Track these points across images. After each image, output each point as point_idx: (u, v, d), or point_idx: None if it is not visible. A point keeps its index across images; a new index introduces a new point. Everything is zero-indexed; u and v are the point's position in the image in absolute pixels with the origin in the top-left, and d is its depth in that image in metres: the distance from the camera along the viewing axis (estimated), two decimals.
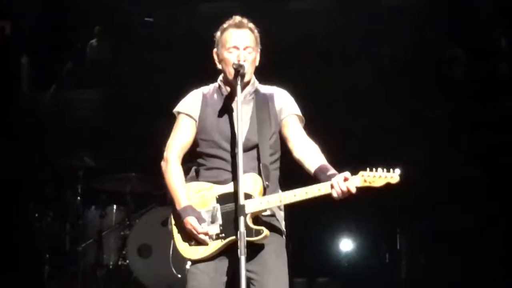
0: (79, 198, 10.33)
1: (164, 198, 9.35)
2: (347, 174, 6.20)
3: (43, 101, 11.36)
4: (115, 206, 10.27)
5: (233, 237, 6.31)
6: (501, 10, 11.70)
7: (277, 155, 6.60)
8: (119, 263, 10.04)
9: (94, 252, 10.16)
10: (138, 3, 11.62)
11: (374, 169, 6.20)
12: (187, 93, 6.77)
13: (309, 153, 6.45)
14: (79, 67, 11.60)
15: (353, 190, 6.18)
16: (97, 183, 10.38)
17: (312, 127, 6.65)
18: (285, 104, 6.63)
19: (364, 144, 6.47)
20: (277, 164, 6.62)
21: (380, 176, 6.20)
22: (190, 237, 6.49)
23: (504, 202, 10.55)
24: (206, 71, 6.82)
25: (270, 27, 6.88)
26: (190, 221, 6.42)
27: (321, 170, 6.30)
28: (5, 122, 10.93)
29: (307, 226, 7.32)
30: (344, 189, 6.16)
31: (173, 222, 6.59)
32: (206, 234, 6.43)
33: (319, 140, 6.63)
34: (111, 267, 10.08)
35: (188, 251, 6.52)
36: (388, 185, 6.22)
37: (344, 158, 6.48)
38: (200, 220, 6.44)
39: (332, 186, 6.19)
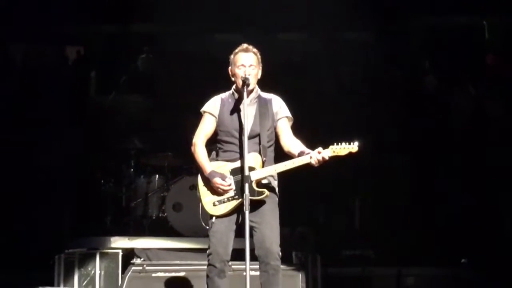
0: (131, 170, 10.31)
1: (191, 170, 9.36)
2: (320, 149, 6.41)
3: (105, 103, 11.35)
4: (157, 176, 10.24)
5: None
6: (426, 41, 11.73)
7: (272, 141, 6.70)
8: (160, 215, 10.04)
9: (142, 208, 10.15)
10: (174, 32, 11.63)
11: (340, 143, 6.40)
12: (210, 98, 6.86)
13: (293, 144, 6.60)
14: (131, 78, 11.56)
15: (326, 158, 6.37)
16: (144, 159, 10.38)
17: (294, 122, 6.80)
18: (280, 108, 6.76)
19: (329, 135, 6.56)
20: (273, 147, 6.71)
21: (344, 148, 6.41)
22: (214, 200, 6.61)
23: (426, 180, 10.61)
24: (222, 80, 6.91)
25: (265, 51, 6.96)
26: (217, 180, 6.55)
27: (302, 152, 6.47)
28: (79, 117, 10.96)
29: (293, 191, 7.37)
30: (320, 158, 6.36)
31: (200, 189, 6.68)
32: (229, 186, 6.57)
33: (299, 130, 6.82)
34: (154, 218, 10.07)
35: (212, 209, 6.60)
36: (350, 154, 6.39)
37: (316, 141, 6.57)
38: (224, 178, 6.57)
39: (310, 157, 6.38)
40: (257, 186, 6.55)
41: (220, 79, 6.95)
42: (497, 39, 11.93)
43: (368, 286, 9.51)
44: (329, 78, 11.36)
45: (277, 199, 6.72)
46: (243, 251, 6.28)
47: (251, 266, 6.30)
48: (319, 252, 8.75)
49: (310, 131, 7.10)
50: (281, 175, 6.70)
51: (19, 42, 11.63)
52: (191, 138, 6.79)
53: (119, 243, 8.81)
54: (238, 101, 6.69)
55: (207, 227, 6.67)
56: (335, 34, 11.50)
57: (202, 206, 6.68)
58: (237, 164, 6.61)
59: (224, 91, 6.85)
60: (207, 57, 11.11)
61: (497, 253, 9.79)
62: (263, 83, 6.87)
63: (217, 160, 6.74)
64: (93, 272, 8.35)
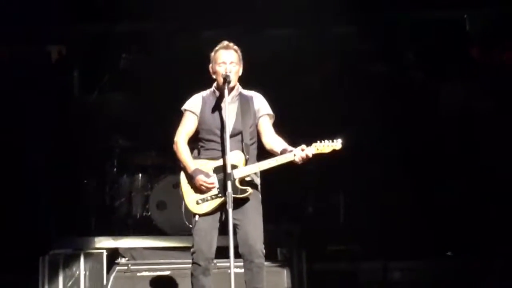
0: (115, 169, 10.33)
1: (174, 169, 9.34)
2: (303, 146, 6.44)
3: (88, 102, 11.33)
4: (140, 174, 10.26)
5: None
6: (410, 35, 11.74)
7: (255, 139, 6.72)
8: (144, 214, 10.06)
9: (126, 207, 10.18)
10: (158, 30, 11.59)
11: (323, 140, 6.42)
12: (191, 95, 6.89)
13: (275, 142, 6.63)
14: (114, 77, 11.53)
15: (310, 156, 6.39)
16: (128, 158, 10.40)
17: (277, 118, 6.82)
18: (261, 106, 6.77)
19: (313, 128, 6.57)
20: (255, 145, 6.73)
21: (328, 145, 6.45)
22: (198, 198, 6.62)
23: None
24: (204, 80, 6.92)
25: (250, 48, 6.96)
26: (201, 178, 6.57)
27: (285, 149, 6.50)
28: (63, 117, 10.92)
29: (277, 187, 7.39)
30: (303, 155, 6.39)
31: (183, 188, 6.70)
32: (213, 184, 6.58)
33: (283, 126, 6.84)
34: (138, 217, 10.10)
35: (196, 208, 6.63)
36: (333, 151, 6.43)
37: (300, 137, 6.59)
38: (206, 176, 6.57)
39: (294, 155, 6.40)
40: (240, 184, 6.58)
41: (205, 76, 6.92)
42: (479, 32, 11.94)
43: (354, 280, 9.52)
44: (314, 73, 11.35)
45: (260, 196, 6.75)
46: (227, 249, 6.32)
47: (236, 264, 6.33)
48: (304, 248, 8.76)
49: (293, 128, 7.11)
50: (265, 172, 6.71)
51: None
52: (174, 137, 6.81)
53: (104, 243, 8.83)
54: (220, 99, 6.70)
55: (191, 226, 6.68)
56: (320, 28, 11.48)
57: (185, 205, 6.70)
58: (220, 162, 6.63)
59: (205, 89, 6.86)
60: (192, 55, 11.07)
61: (482, 245, 9.82)
62: (247, 80, 6.89)
63: (199, 158, 6.76)
64: (77, 272, 8.35)
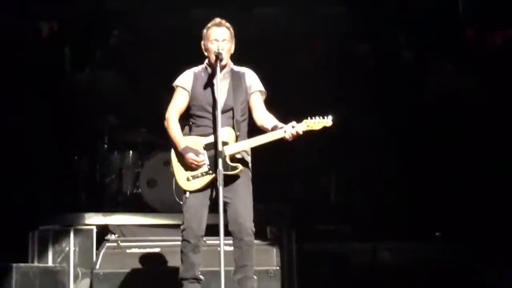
0: (105, 145, 10.32)
1: (165, 146, 9.31)
2: (294, 123, 6.46)
3: (80, 79, 11.31)
4: (131, 152, 10.25)
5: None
6: (400, 11, 11.73)
7: (246, 115, 6.73)
8: (134, 191, 10.06)
9: (116, 184, 10.18)
10: (148, 8, 11.56)
11: (314, 117, 6.45)
12: (182, 72, 6.88)
13: (266, 118, 6.65)
14: (105, 54, 11.52)
15: (300, 132, 6.42)
16: (118, 135, 10.38)
17: (268, 95, 6.84)
18: (253, 82, 6.78)
19: (303, 105, 6.59)
20: (246, 122, 6.74)
21: (318, 122, 6.48)
22: (188, 175, 6.62)
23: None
24: (196, 57, 6.90)
25: (240, 26, 6.95)
26: (191, 156, 6.58)
27: (276, 126, 6.52)
28: (54, 94, 10.88)
29: (268, 166, 7.40)
30: (294, 132, 6.41)
31: (174, 165, 6.71)
32: (203, 162, 6.57)
33: (274, 104, 6.83)
34: (128, 194, 10.10)
35: (186, 185, 6.64)
36: (324, 128, 6.45)
37: (291, 115, 6.59)
38: (197, 154, 6.58)
39: (285, 131, 6.41)
40: (231, 161, 6.59)
41: (195, 54, 6.92)
42: (472, 14, 11.94)
43: (344, 261, 9.52)
44: (304, 52, 11.34)
45: (250, 174, 6.76)
46: (217, 226, 6.31)
47: (225, 242, 6.33)
48: (294, 227, 8.77)
49: (284, 105, 7.12)
50: (256, 150, 6.72)
51: None
52: (165, 113, 6.81)
53: (94, 219, 8.84)
54: (211, 76, 6.70)
55: (181, 203, 6.69)
56: (310, 8, 11.47)
57: (176, 182, 6.71)
58: (211, 139, 6.63)
59: (197, 65, 6.85)
60: (182, 33, 11.04)
61: (470, 227, 9.86)
62: (239, 58, 6.88)
63: (190, 135, 6.77)
64: (67, 248, 8.37)
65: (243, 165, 6.64)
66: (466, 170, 10.54)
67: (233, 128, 6.61)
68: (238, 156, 6.65)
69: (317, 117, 6.50)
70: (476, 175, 10.47)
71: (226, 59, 6.72)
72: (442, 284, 9.19)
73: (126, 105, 10.68)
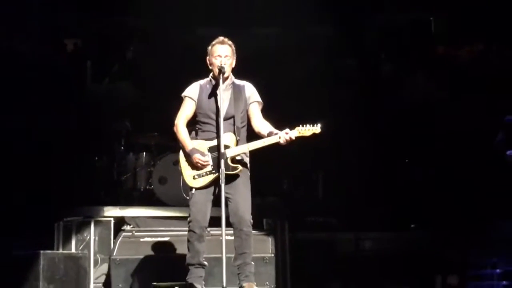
0: (122, 147, 10.24)
1: (174, 147, 9.28)
2: (287, 130, 6.47)
3: (100, 89, 11.29)
4: (144, 153, 10.17)
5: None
6: (380, 31, 11.72)
7: (245, 123, 6.71)
8: (147, 187, 9.99)
9: (131, 181, 10.11)
10: (160, 25, 11.54)
11: (306, 125, 6.45)
12: (190, 83, 6.86)
13: (263, 126, 6.64)
14: (122, 67, 11.50)
15: (293, 138, 6.43)
16: (133, 138, 10.33)
17: (264, 105, 6.83)
18: (251, 93, 6.77)
19: (295, 114, 6.58)
20: (245, 128, 6.71)
21: (309, 129, 6.48)
22: (194, 174, 6.60)
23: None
24: (201, 69, 6.88)
25: (240, 43, 6.93)
26: (197, 156, 6.56)
27: (271, 132, 6.53)
28: (78, 102, 10.87)
29: (264, 165, 7.39)
30: (287, 138, 6.42)
31: (182, 165, 6.70)
32: (207, 162, 6.56)
33: (269, 113, 6.81)
34: (142, 190, 10.03)
35: (193, 182, 6.63)
36: (314, 134, 6.44)
37: (284, 123, 6.58)
38: (202, 155, 6.56)
39: (279, 137, 6.42)
40: (232, 162, 6.57)
41: (200, 68, 6.90)
42: (444, 33, 11.95)
43: (330, 249, 9.52)
44: (296, 67, 11.32)
45: (249, 173, 6.74)
46: (219, 218, 6.33)
47: (227, 232, 6.35)
48: (287, 219, 8.73)
49: (279, 114, 7.08)
50: (253, 152, 6.70)
51: (22, 36, 11.51)
52: (174, 120, 6.79)
53: (111, 212, 8.80)
54: (215, 87, 6.66)
55: (188, 198, 6.67)
56: (302, 28, 11.45)
57: (184, 179, 6.70)
58: (214, 142, 6.61)
59: (203, 78, 6.82)
60: (189, 48, 11.02)
61: (442, 218, 9.86)
62: (239, 71, 6.86)
63: (196, 138, 6.74)
64: (88, 237, 8.31)
65: (242, 165, 6.62)
66: (435, 169, 10.55)
67: (234, 133, 6.60)
68: (238, 157, 6.63)
69: (307, 125, 6.49)
70: (444, 173, 10.48)
71: (228, 72, 6.70)
72: (416, 268, 9.17)
73: (140, 112, 10.64)
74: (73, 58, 11.83)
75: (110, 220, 8.49)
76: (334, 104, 10.83)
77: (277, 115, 6.92)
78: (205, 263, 6.69)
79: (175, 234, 8.08)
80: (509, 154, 7.72)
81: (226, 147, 6.52)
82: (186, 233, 6.71)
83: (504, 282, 8.22)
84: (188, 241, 6.66)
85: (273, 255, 7.92)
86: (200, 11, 11.07)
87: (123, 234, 8.23)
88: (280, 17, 11.01)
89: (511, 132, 7.83)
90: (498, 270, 8.31)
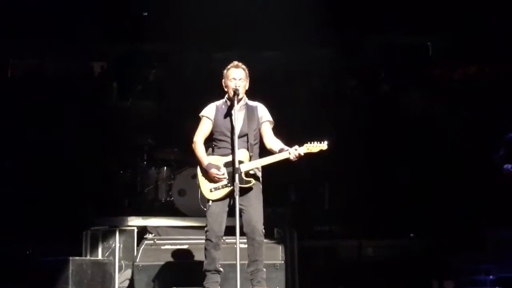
0: (145, 162, 10.22)
1: (193, 162, 9.21)
2: (296, 146, 6.45)
3: (124, 108, 11.30)
4: (165, 167, 10.15)
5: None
6: (379, 52, 11.70)
7: (258, 140, 6.68)
8: (167, 199, 9.94)
9: (153, 193, 10.08)
10: (179, 50, 11.55)
11: (313, 142, 6.43)
12: (207, 104, 6.84)
13: (274, 143, 6.61)
14: (145, 87, 11.51)
15: (302, 154, 6.41)
16: (155, 153, 10.30)
17: (276, 124, 6.80)
18: (263, 113, 6.74)
19: (304, 134, 6.56)
20: (258, 145, 6.68)
21: (316, 146, 6.45)
22: (211, 187, 6.57)
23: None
24: (216, 93, 6.87)
25: (252, 66, 6.92)
26: (214, 171, 6.54)
27: (282, 149, 6.48)
28: (103, 119, 10.88)
29: (275, 179, 7.37)
30: (297, 154, 6.40)
31: (199, 178, 6.66)
32: (223, 175, 6.53)
33: (280, 131, 6.78)
34: (163, 201, 9.99)
35: (209, 195, 6.60)
36: (321, 151, 6.43)
37: (293, 140, 6.56)
38: (218, 169, 6.54)
39: (289, 153, 6.40)
40: (246, 176, 6.53)
41: (216, 89, 6.89)
42: (440, 55, 11.94)
43: (335, 255, 9.48)
44: (302, 87, 11.29)
45: (261, 186, 6.70)
46: (234, 228, 6.29)
47: (241, 240, 6.31)
48: (295, 228, 8.68)
49: (288, 132, 7.06)
50: (266, 167, 6.66)
51: (54, 57, 11.58)
52: (192, 137, 6.77)
53: (135, 221, 8.76)
54: (230, 107, 6.64)
55: (205, 209, 6.64)
56: (306, 51, 11.44)
57: (201, 192, 6.67)
58: (229, 158, 6.57)
59: (219, 99, 6.81)
60: (206, 71, 11.03)
61: (438, 226, 9.80)
62: (250, 92, 6.83)
63: (213, 155, 6.71)
64: (113, 245, 8.30)
65: (255, 179, 6.59)
66: (433, 181, 10.49)
67: (248, 150, 6.56)
68: (252, 172, 6.59)
69: (315, 142, 6.46)
70: (440, 185, 10.43)
71: (242, 93, 6.68)
72: (414, 273, 9.11)
73: (161, 129, 10.62)
74: (100, 79, 11.88)
75: (134, 229, 8.47)
76: (337, 121, 10.79)
77: (286, 133, 6.89)
78: (221, 269, 6.65)
79: (193, 243, 8.05)
80: (506, 168, 7.67)
81: (240, 162, 6.48)
82: (203, 241, 6.68)
83: None
84: (205, 249, 6.62)
85: (283, 261, 7.86)
86: (215, 37, 11.09)
87: (146, 242, 8.20)
88: (286, 41, 11.00)
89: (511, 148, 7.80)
90: (491, 277, 8.24)
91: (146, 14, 11.18)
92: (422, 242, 9.61)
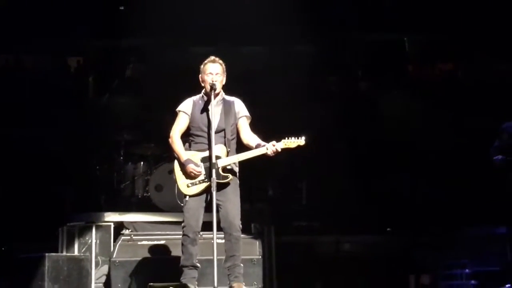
0: (121, 157, 10.18)
1: (170, 157, 9.22)
2: (274, 142, 6.45)
3: (101, 103, 11.24)
4: (142, 162, 10.11)
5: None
6: (358, 49, 11.72)
7: (235, 135, 6.68)
8: (144, 194, 9.91)
9: (130, 188, 10.04)
10: (156, 45, 11.49)
11: (291, 137, 6.44)
12: (184, 98, 6.83)
13: (251, 138, 6.62)
14: (122, 82, 11.45)
15: (279, 150, 6.41)
16: (132, 149, 10.27)
17: (252, 119, 6.80)
18: (241, 108, 6.74)
19: (282, 130, 6.57)
20: (235, 140, 6.69)
21: (294, 141, 6.46)
22: (188, 182, 6.56)
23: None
24: (195, 85, 6.85)
25: (231, 61, 6.90)
26: (191, 166, 6.52)
27: (259, 144, 6.50)
28: (80, 115, 10.80)
29: (252, 174, 7.36)
30: (274, 149, 6.40)
31: (176, 174, 6.65)
32: (200, 171, 6.52)
33: (257, 126, 6.79)
34: (139, 197, 9.95)
35: (186, 190, 6.58)
36: (299, 146, 6.43)
37: (271, 136, 6.55)
38: (195, 164, 6.53)
39: (267, 149, 6.40)
40: (223, 171, 6.52)
41: (194, 84, 6.85)
42: (416, 52, 11.98)
43: (313, 251, 9.51)
44: (281, 83, 11.29)
45: (238, 181, 6.69)
46: (211, 223, 6.27)
47: (218, 236, 6.30)
48: (273, 224, 8.69)
49: (266, 127, 7.05)
50: (242, 162, 6.66)
51: (31, 52, 11.49)
52: (169, 132, 6.75)
53: (111, 217, 8.73)
54: (207, 103, 6.64)
55: (182, 204, 6.62)
56: (286, 47, 11.44)
57: (178, 187, 6.65)
58: (206, 153, 6.56)
59: (196, 95, 6.79)
60: (183, 66, 10.98)
61: (415, 221, 9.86)
62: (228, 88, 6.82)
63: (190, 150, 6.70)
64: (90, 241, 8.25)
65: (232, 174, 6.59)
66: (409, 177, 10.56)
67: (225, 145, 6.56)
68: (229, 167, 6.59)
69: (293, 138, 6.46)
70: (419, 180, 10.50)
71: (219, 88, 6.67)
72: (392, 268, 9.16)
73: (138, 124, 10.58)
74: (76, 75, 11.80)
75: (110, 225, 8.42)
76: (316, 117, 10.80)
77: (263, 128, 6.90)
78: (198, 264, 6.65)
79: (170, 238, 8.02)
80: (496, 159, 7.61)
81: (218, 157, 6.48)
82: (181, 237, 6.67)
83: (473, 282, 8.23)
84: (182, 244, 6.61)
85: (260, 257, 7.86)
86: (193, 32, 11.04)
87: (122, 237, 8.16)
88: (266, 37, 10.99)
89: (504, 138, 7.74)
90: (467, 270, 8.32)
91: (122, 8, 11.11)
92: (399, 238, 9.66)
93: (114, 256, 7.89)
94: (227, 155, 6.55)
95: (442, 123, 10.77)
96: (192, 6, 10.45)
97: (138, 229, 8.60)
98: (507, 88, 10.37)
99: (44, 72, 11.35)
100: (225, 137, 6.57)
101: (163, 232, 8.35)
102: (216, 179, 6.36)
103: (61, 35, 10.97)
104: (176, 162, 6.69)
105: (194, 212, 6.55)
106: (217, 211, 6.40)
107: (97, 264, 8.22)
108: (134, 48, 11.73)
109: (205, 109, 6.63)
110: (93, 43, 11.83)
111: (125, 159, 10.21)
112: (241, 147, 6.66)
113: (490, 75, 11.10)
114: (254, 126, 6.77)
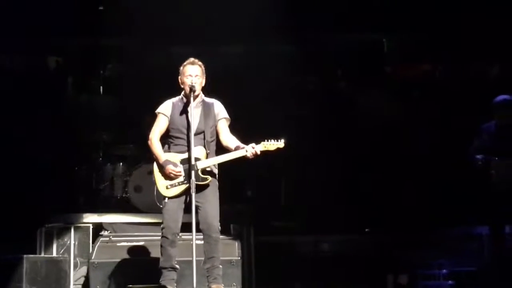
0: (100, 158, 10.18)
1: (149, 158, 9.18)
2: (253, 144, 6.50)
3: (79, 103, 11.19)
4: (121, 163, 10.09)
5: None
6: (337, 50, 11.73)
7: (214, 137, 6.72)
8: (123, 195, 9.89)
9: (109, 189, 10.01)
10: (136, 45, 11.42)
11: (270, 140, 6.50)
12: (164, 99, 6.84)
13: (231, 140, 6.64)
14: (101, 83, 11.39)
15: (258, 152, 6.45)
16: (111, 149, 10.26)
17: (232, 121, 6.83)
18: (220, 110, 6.77)
19: (261, 132, 6.57)
20: (214, 142, 6.72)
21: (273, 144, 6.53)
22: (167, 184, 6.57)
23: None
24: (175, 89, 6.85)
25: (208, 62, 6.91)
26: (170, 167, 6.54)
27: (238, 147, 6.54)
28: (58, 115, 10.73)
29: (231, 175, 7.37)
30: (253, 152, 6.44)
31: (156, 175, 6.67)
32: (180, 173, 6.53)
33: (236, 128, 6.81)
34: (118, 198, 9.92)
35: (166, 192, 6.61)
36: (278, 149, 6.47)
37: (250, 138, 6.58)
38: (175, 166, 6.54)
39: (246, 151, 6.44)
40: (202, 173, 6.56)
41: (173, 85, 6.86)
42: (394, 52, 12.03)
43: (292, 251, 9.52)
44: (259, 84, 11.29)
45: (217, 183, 6.74)
46: (190, 225, 6.29)
47: (197, 237, 6.32)
48: (252, 224, 8.71)
49: (244, 129, 7.08)
50: (222, 164, 6.70)
51: (8, 52, 11.38)
52: (149, 133, 6.77)
53: (90, 218, 8.72)
54: (186, 104, 6.66)
55: (161, 206, 6.63)
56: (265, 47, 11.44)
57: (157, 189, 6.68)
58: (186, 155, 6.60)
59: (176, 95, 6.79)
60: (163, 67, 10.94)
61: (393, 221, 9.91)
62: (208, 88, 6.83)
63: (169, 151, 6.72)
64: (68, 242, 8.24)
65: (212, 176, 6.62)
66: (388, 176, 10.60)
67: (204, 147, 6.60)
68: (208, 169, 6.63)
69: (272, 140, 6.51)
70: (396, 180, 10.54)
71: (198, 90, 6.69)
72: (370, 268, 9.20)
73: (117, 125, 10.55)
74: (55, 74, 11.72)
75: (89, 226, 8.42)
76: (295, 117, 10.83)
77: (242, 128, 6.92)
78: (177, 266, 6.68)
79: (149, 239, 8.03)
80: (476, 159, 7.65)
81: (197, 159, 6.50)
82: (159, 238, 6.67)
83: (450, 282, 8.31)
84: (161, 246, 6.64)
85: (239, 258, 7.89)
86: (173, 32, 11.00)
87: (101, 239, 8.16)
88: (245, 36, 10.98)
89: (484, 138, 7.79)
90: (444, 271, 8.39)
91: (102, 8, 11.05)
92: (377, 238, 9.70)
93: (93, 257, 7.89)
94: (207, 157, 6.58)
95: (422, 123, 10.83)
96: (172, 6, 10.42)
97: (117, 230, 8.59)
98: (485, 87, 10.45)
99: (22, 71, 11.25)
100: (204, 139, 6.59)
101: (142, 233, 8.36)
102: (196, 181, 6.39)
103: (40, 34, 10.89)
104: (155, 164, 6.72)
105: (173, 213, 6.57)
106: (196, 212, 6.42)
107: (75, 266, 8.22)
108: (114, 48, 11.67)
109: (184, 111, 6.64)
110: (72, 43, 11.76)
111: (104, 159, 10.19)
112: (221, 149, 6.70)
113: (468, 75, 11.18)
114: (234, 128, 6.80)
